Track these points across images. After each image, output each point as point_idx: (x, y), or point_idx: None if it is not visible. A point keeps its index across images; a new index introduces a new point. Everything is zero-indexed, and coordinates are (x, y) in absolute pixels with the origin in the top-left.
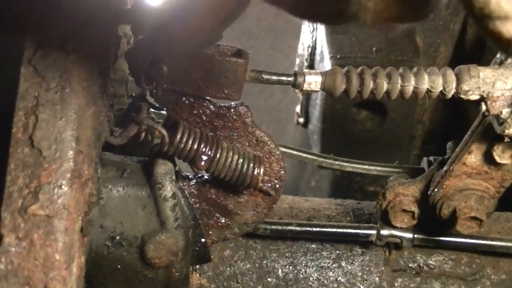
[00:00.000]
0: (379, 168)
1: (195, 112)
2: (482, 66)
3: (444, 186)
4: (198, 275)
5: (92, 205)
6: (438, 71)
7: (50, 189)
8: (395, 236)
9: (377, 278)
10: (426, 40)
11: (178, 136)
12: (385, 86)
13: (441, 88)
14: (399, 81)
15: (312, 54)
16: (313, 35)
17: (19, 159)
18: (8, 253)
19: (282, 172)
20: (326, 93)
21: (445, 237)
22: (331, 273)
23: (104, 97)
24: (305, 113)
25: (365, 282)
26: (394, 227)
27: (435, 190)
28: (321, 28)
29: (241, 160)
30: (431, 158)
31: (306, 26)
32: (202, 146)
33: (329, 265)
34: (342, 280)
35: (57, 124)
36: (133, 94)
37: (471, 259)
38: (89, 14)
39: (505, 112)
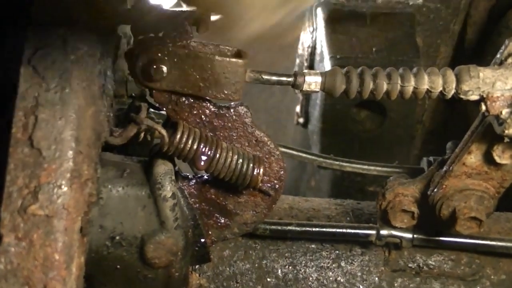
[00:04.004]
0: (379, 168)
1: (194, 112)
2: (482, 66)
3: (444, 186)
4: (197, 275)
5: (92, 205)
6: (438, 72)
7: (50, 189)
8: (394, 236)
9: (376, 278)
10: (426, 41)
11: (178, 136)
12: (385, 86)
13: (441, 89)
14: (399, 82)
15: (312, 55)
16: (313, 35)
17: (18, 159)
18: (7, 253)
19: (282, 172)
20: (326, 94)
21: (445, 237)
22: (330, 273)
23: (103, 97)
24: (305, 113)
25: (364, 282)
26: (394, 227)
27: (435, 190)
28: (321, 28)
29: (240, 160)
30: (431, 158)
31: (306, 26)
32: (201, 146)
33: (328, 265)
34: (342, 280)
35: (56, 124)
36: (133, 94)
37: (471, 259)
38: (89, 14)
39: (505, 112)
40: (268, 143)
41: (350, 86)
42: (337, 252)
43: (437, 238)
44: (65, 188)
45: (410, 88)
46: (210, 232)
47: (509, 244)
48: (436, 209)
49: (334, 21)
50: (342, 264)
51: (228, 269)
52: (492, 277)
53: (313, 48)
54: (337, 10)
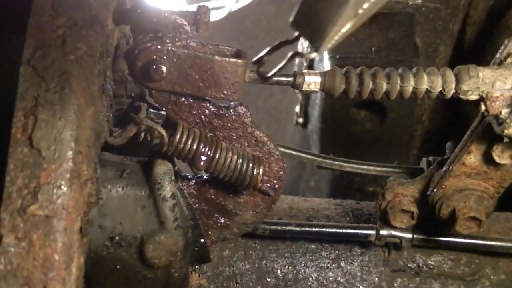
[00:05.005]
0: (379, 168)
1: (194, 112)
2: (481, 66)
3: (444, 186)
4: (197, 275)
5: (91, 206)
6: (438, 71)
7: (49, 189)
8: (394, 236)
9: (376, 278)
10: (425, 40)
11: (177, 136)
12: (384, 86)
13: (440, 88)
14: (399, 82)
15: None
16: None
17: (18, 159)
18: (7, 254)
19: (282, 172)
20: (326, 94)
21: (444, 237)
22: (330, 273)
23: (103, 97)
24: (305, 113)
25: (364, 282)
26: (394, 227)
27: (435, 190)
28: None
29: (240, 160)
30: (431, 158)
31: None
32: (201, 146)
33: (328, 265)
34: (342, 280)
35: (56, 124)
36: (132, 94)
37: (471, 259)
38: (88, 14)
39: (504, 112)
40: (268, 143)
41: (349, 86)
42: (337, 252)
43: (436, 238)
44: (64, 188)
45: (409, 88)
46: (209, 232)
47: (508, 244)
48: (435, 209)
49: None
50: (342, 264)
51: (228, 269)
52: (491, 277)
53: None
54: None
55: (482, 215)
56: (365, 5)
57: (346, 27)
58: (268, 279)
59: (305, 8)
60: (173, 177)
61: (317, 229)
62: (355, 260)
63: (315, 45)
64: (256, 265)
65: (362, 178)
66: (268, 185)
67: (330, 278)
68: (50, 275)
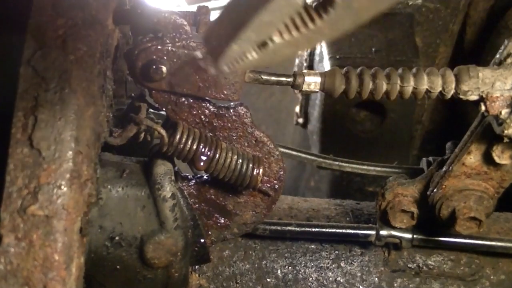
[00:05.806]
0: (378, 169)
1: (194, 112)
2: (481, 66)
3: (443, 186)
4: (197, 275)
5: (91, 206)
6: (437, 72)
7: (49, 189)
8: (394, 237)
9: (376, 279)
10: (425, 41)
11: (177, 137)
12: (384, 86)
13: (440, 89)
14: (398, 82)
15: (311, 55)
16: None
17: (18, 159)
18: (7, 254)
19: (281, 172)
20: (326, 94)
21: (444, 237)
22: (330, 273)
23: (103, 98)
24: (305, 113)
25: (364, 282)
26: (393, 228)
27: (434, 190)
28: None
29: (240, 160)
30: (430, 158)
31: None
32: (201, 146)
33: (328, 265)
34: (341, 281)
35: (56, 124)
36: (133, 94)
37: (471, 259)
38: (88, 14)
39: (504, 112)
40: (268, 143)
41: (349, 87)
42: (337, 252)
43: (436, 238)
44: (64, 189)
45: (409, 88)
46: (209, 233)
47: (508, 244)
48: (435, 209)
49: None
50: (342, 264)
51: (227, 269)
52: (491, 277)
53: (313, 48)
54: None
55: (482, 215)
56: (275, 38)
57: (252, 54)
58: (268, 279)
59: (213, 25)
60: (173, 177)
61: (317, 229)
62: (355, 260)
63: (213, 60)
64: (256, 265)
65: (362, 178)
66: (268, 185)
67: (330, 278)
68: (50, 275)
